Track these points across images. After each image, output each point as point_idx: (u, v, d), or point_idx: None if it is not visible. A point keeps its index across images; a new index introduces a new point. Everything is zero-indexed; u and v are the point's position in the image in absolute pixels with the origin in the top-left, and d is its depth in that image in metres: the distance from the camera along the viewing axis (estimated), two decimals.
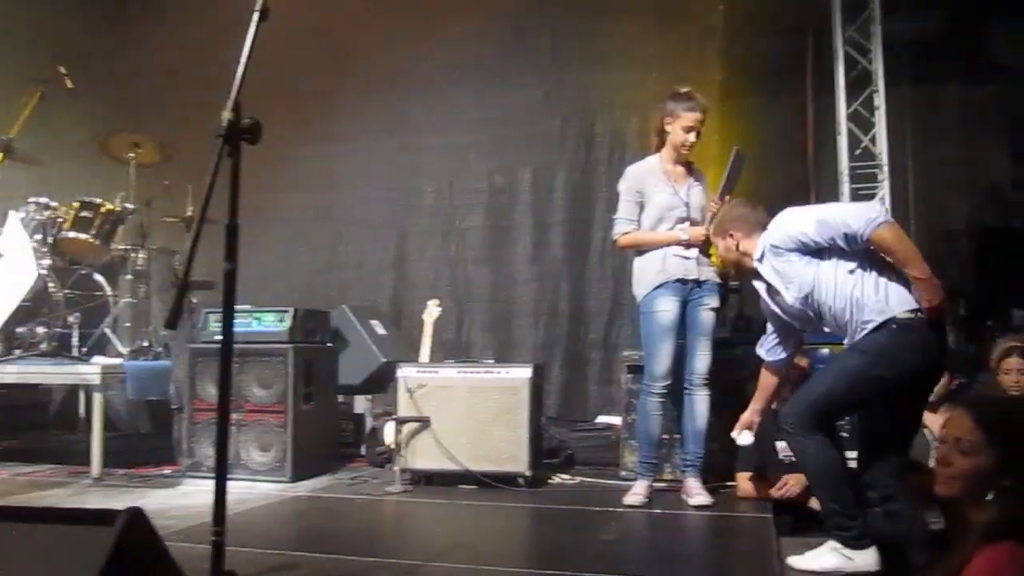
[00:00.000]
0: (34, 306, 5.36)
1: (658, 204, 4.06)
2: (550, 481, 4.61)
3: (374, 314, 6.08)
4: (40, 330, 5.27)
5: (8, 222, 4.96)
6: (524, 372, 4.44)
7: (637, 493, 3.98)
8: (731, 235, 3.46)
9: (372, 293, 6.80)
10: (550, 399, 5.95)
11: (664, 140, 4.07)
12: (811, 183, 6.14)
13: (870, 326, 3.02)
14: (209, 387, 4.73)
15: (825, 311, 3.15)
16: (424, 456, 4.49)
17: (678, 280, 4.00)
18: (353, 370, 5.52)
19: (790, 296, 3.21)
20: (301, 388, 4.74)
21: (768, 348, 3.50)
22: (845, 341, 3.18)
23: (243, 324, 4.86)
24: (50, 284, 5.31)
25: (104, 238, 5.40)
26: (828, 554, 3.02)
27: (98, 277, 5.56)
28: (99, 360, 4.91)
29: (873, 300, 3.04)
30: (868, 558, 2.98)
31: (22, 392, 6.04)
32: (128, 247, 5.64)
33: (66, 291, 5.37)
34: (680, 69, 6.19)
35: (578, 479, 4.67)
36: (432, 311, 5.30)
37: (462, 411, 4.47)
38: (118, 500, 4.13)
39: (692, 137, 4.00)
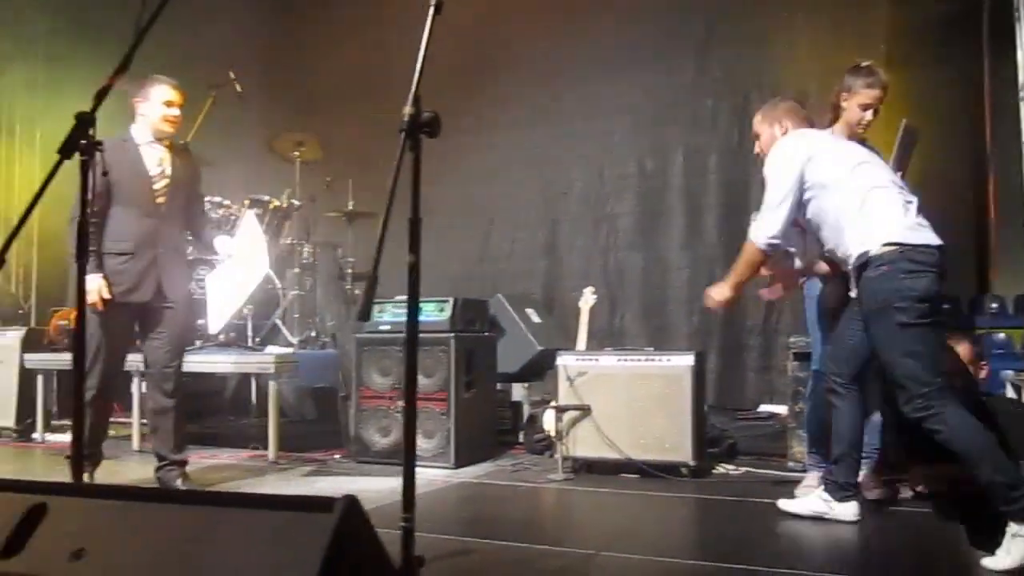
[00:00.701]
0: None
1: None
2: (714, 471, 4.52)
3: (528, 302, 6.13)
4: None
5: (245, 220, 5.13)
6: (686, 359, 4.36)
7: (810, 484, 3.84)
8: (781, 125, 3.61)
9: (524, 282, 6.85)
10: (707, 387, 5.82)
11: (838, 116, 3.84)
12: (989, 160, 5.73)
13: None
14: (375, 375, 4.89)
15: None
16: (585, 444, 4.48)
17: None
18: (510, 358, 5.59)
19: None
20: (462, 376, 4.82)
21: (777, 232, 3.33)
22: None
23: (405, 314, 4.98)
24: None
25: (273, 233, 5.67)
26: None
27: (268, 271, 5.84)
28: (273, 350, 5.15)
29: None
30: None
31: (201, 380, 6.43)
32: (294, 241, 5.90)
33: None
34: (839, 39, 5.92)
35: (743, 469, 4.55)
36: (588, 298, 5.27)
37: (623, 399, 4.44)
38: (298, 485, 4.33)
39: (869, 116, 3.73)
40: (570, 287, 6.68)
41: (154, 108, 3.94)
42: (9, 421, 6.04)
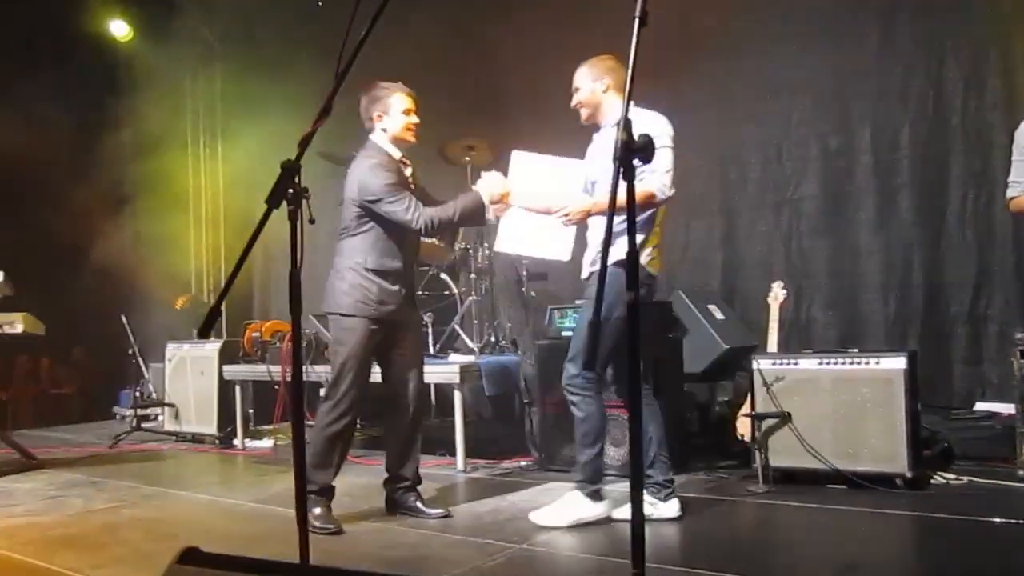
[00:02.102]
0: None
1: None
2: (932, 481, 4.16)
3: (710, 298, 5.88)
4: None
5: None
6: (898, 362, 4.03)
7: None
8: (602, 81, 3.76)
9: (702, 274, 6.57)
10: None
11: None
12: None
13: None
14: (559, 382, 4.79)
15: None
16: (785, 453, 4.23)
17: None
18: (695, 358, 5.35)
19: None
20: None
21: None
22: None
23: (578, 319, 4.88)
24: None
25: (449, 239, 5.68)
26: None
27: (444, 276, 5.88)
28: (456, 358, 5.16)
29: None
30: None
31: (378, 385, 6.58)
32: (468, 246, 5.89)
33: (420, 292, 5.72)
34: None
35: (965, 479, 4.17)
36: (778, 294, 4.99)
37: (826, 405, 4.15)
38: (495, 501, 4.30)
39: None
40: (751, 277, 6.36)
41: (396, 120, 3.88)
42: (212, 428, 6.39)
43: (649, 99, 6.35)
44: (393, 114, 3.88)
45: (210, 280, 9.42)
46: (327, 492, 3.84)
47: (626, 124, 1.99)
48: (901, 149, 5.89)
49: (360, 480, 4.60)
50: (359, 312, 3.79)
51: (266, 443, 6.29)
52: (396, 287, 3.85)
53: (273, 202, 2.13)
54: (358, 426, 5.06)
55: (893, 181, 5.91)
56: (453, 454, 5.09)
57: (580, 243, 4.03)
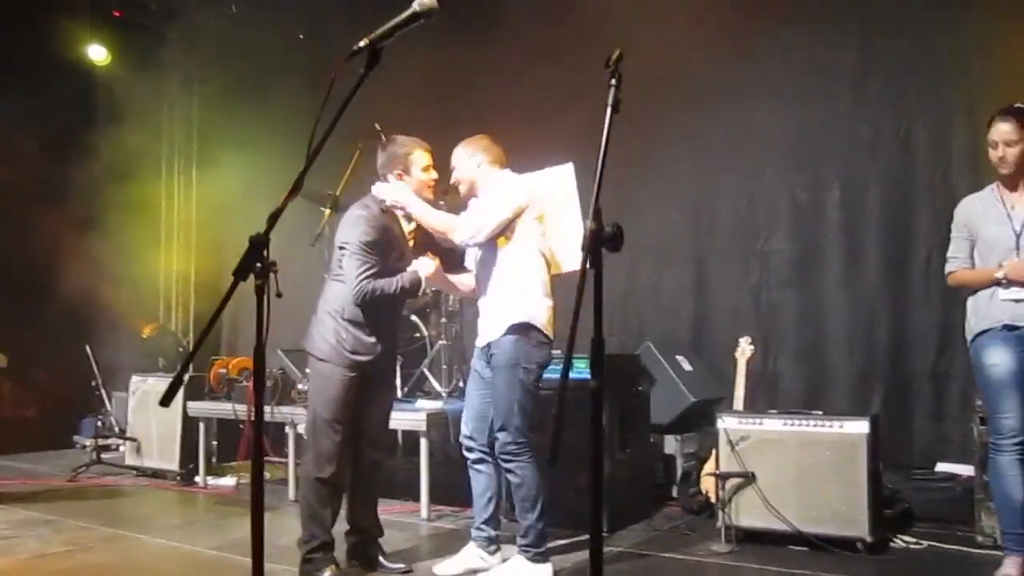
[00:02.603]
0: None
1: (986, 238, 3.64)
2: (892, 545, 4.19)
3: (678, 348, 5.93)
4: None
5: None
6: (860, 426, 4.07)
7: (1008, 573, 3.49)
8: (475, 157, 3.96)
9: (671, 322, 6.62)
10: None
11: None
12: None
13: None
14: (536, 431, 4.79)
15: None
16: (748, 513, 4.25)
17: (1005, 327, 3.50)
18: (662, 409, 5.41)
19: None
20: (616, 435, 4.68)
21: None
22: None
23: (554, 370, 4.88)
24: None
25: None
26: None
27: (415, 319, 5.86)
28: (424, 405, 5.15)
29: None
30: None
31: None
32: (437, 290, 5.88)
33: None
34: (1011, 53, 5.43)
35: (925, 543, 4.21)
36: (745, 349, 5.04)
37: (790, 466, 4.19)
38: (452, 548, 4.27)
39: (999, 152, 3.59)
40: (720, 328, 6.40)
41: (416, 177, 3.89)
42: (174, 465, 6.29)
43: (622, 145, 6.49)
44: (414, 172, 3.89)
45: (178, 309, 9.33)
46: (327, 547, 3.75)
47: (595, 214, 2.01)
48: (868, 206, 5.99)
49: None
50: (334, 359, 3.76)
51: (229, 481, 6.20)
52: (372, 339, 3.80)
53: (240, 276, 2.12)
54: None
55: (860, 237, 6.01)
56: (418, 499, 5.06)
57: None
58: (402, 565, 3.94)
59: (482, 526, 3.96)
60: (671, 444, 5.49)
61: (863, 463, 4.02)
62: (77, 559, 4.16)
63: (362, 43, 2.07)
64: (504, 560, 3.93)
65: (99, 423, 7.38)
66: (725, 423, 4.38)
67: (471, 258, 4.09)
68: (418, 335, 5.88)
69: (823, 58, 6.14)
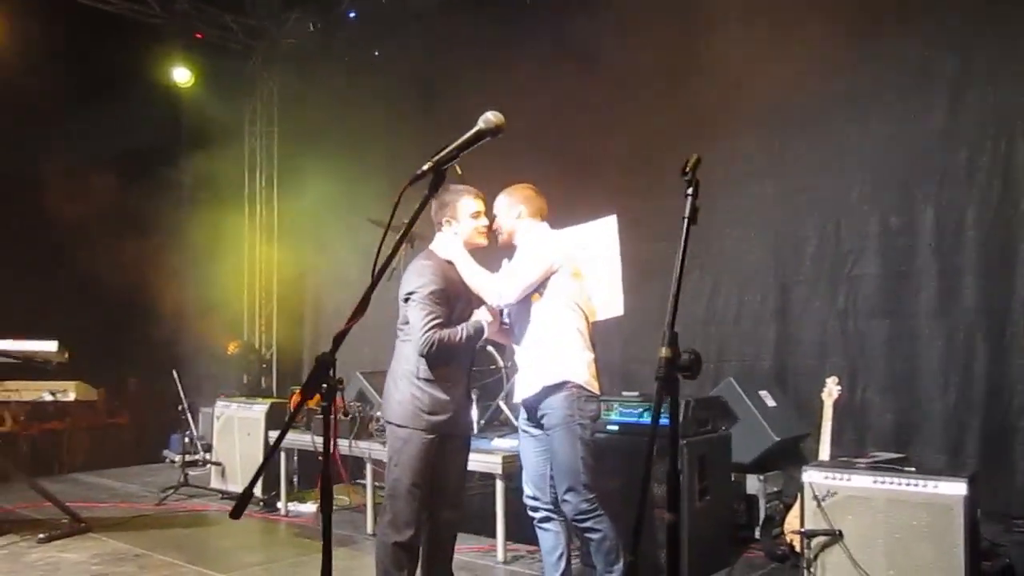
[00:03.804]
0: None
1: None
2: None
3: (761, 383, 5.76)
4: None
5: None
6: (957, 488, 3.84)
7: None
8: (516, 208, 3.94)
9: (753, 348, 6.43)
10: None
11: None
12: None
13: None
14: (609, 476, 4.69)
15: None
16: (835, 572, 4.07)
17: None
18: (744, 448, 5.25)
19: None
20: (695, 484, 4.56)
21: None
22: None
23: (631, 414, 4.80)
24: None
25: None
26: None
27: (491, 350, 5.82)
28: (500, 445, 5.10)
29: None
30: None
31: None
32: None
33: None
34: None
35: None
36: (832, 390, 4.84)
37: (880, 526, 3.98)
38: None
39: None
40: (805, 355, 6.20)
41: (465, 224, 3.84)
42: (256, 491, 6.41)
43: (703, 164, 6.31)
44: (462, 219, 3.83)
45: (261, 326, 9.52)
46: None
47: (671, 339, 1.91)
48: (966, 232, 5.68)
49: None
50: (412, 424, 3.69)
51: (309, 508, 6.31)
52: (447, 397, 3.74)
53: (308, 394, 2.09)
54: None
55: (956, 264, 5.70)
56: (493, 535, 5.04)
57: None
58: None
59: None
60: (753, 483, 5.33)
61: (960, 527, 3.80)
62: None
63: (426, 166, 2.01)
64: None
65: (186, 440, 7.57)
66: (811, 478, 4.20)
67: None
68: (494, 367, 5.84)
69: (916, 72, 5.84)
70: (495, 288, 3.76)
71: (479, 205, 3.88)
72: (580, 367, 3.77)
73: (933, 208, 5.80)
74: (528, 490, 3.95)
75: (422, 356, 3.67)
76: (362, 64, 8.62)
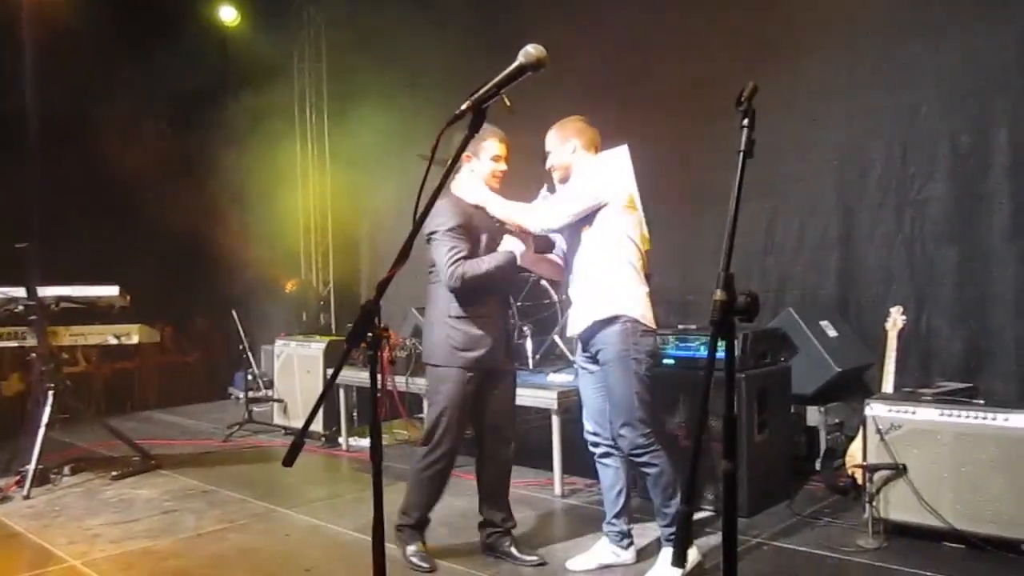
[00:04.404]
0: None
1: None
2: None
3: (822, 312, 5.61)
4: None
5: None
6: None
7: None
8: (570, 143, 3.80)
9: (815, 277, 6.24)
10: None
11: None
12: None
13: None
14: (665, 411, 4.66)
15: None
16: (899, 507, 4.00)
17: None
18: (804, 379, 5.15)
19: None
20: (754, 418, 4.50)
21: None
22: None
23: (690, 349, 4.72)
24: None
25: (545, 245, 5.55)
26: None
27: (545, 284, 5.77)
28: (555, 379, 5.09)
29: None
30: None
31: None
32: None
33: (519, 303, 5.65)
34: None
35: None
36: (896, 320, 4.72)
37: (946, 460, 3.89)
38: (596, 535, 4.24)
39: None
40: (869, 283, 6.00)
41: (484, 165, 3.83)
42: (318, 427, 6.55)
43: (765, 84, 6.07)
44: (483, 158, 3.81)
45: (318, 262, 9.60)
46: (421, 525, 3.94)
47: (726, 281, 1.83)
48: None
49: (460, 503, 4.62)
50: (449, 363, 3.76)
51: (369, 442, 6.40)
52: (483, 332, 3.78)
53: (353, 343, 2.07)
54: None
55: None
56: (551, 469, 5.06)
57: None
58: (535, 557, 3.94)
59: (613, 520, 3.91)
60: (814, 415, 5.24)
61: None
62: (231, 540, 4.39)
63: (465, 105, 1.92)
64: (638, 552, 3.90)
65: (248, 378, 7.73)
66: (874, 411, 4.10)
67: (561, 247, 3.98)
68: (548, 301, 5.79)
69: None
70: (535, 217, 3.72)
71: (502, 150, 3.84)
72: (633, 301, 3.68)
73: (1007, 126, 5.49)
74: (588, 426, 3.93)
75: (452, 291, 3.71)
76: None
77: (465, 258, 3.69)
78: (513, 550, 3.97)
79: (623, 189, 3.75)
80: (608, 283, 3.68)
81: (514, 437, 4.02)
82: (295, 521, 4.71)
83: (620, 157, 4.00)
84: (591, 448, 3.95)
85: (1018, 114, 5.42)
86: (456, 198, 3.80)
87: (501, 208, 3.78)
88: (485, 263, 3.72)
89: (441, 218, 3.72)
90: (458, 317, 3.76)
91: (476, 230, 3.78)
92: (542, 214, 3.71)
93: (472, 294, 3.75)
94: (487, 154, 3.80)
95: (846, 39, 5.97)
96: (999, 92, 5.50)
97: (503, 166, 3.84)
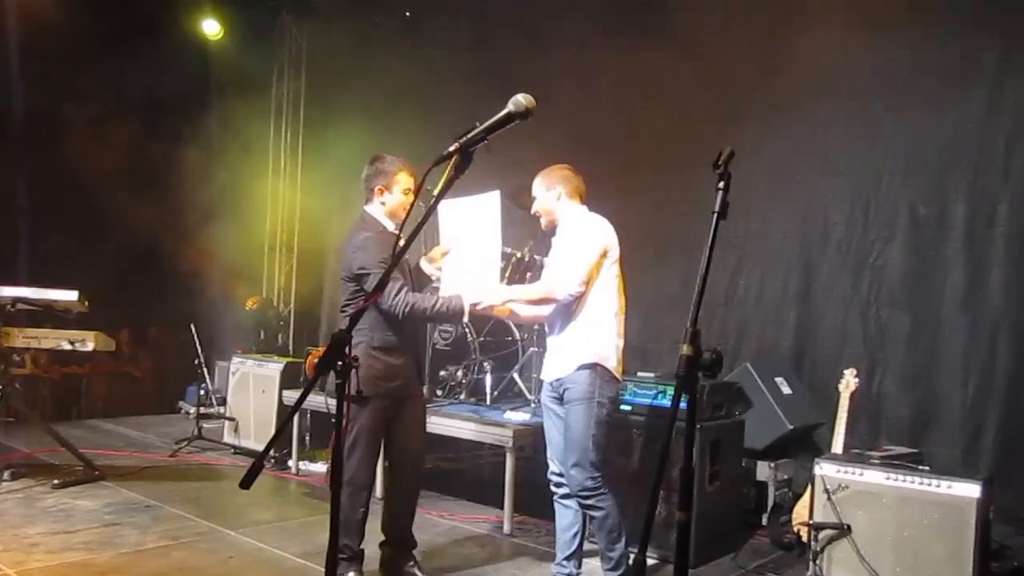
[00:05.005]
0: (454, 350, 5.78)
1: None
2: None
3: (777, 368, 5.71)
4: (460, 374, 5.66)
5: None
6: (971, 489, 3.81)
7: None
8: (555, 190, 3.95)
9: (772, 332, 6.36)
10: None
11: None
12: None
13: None
14: (615, 453, 4.68)
15: None
16: (842, 566, 4.07)
17: None
18: (756, 433, 5.22)
19: None
20: (706, 469, 4.55)
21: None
22: None
23: (647, 395, 4.77)
24: (467, 330, 5.66)
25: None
26: None
27: (508, 322, 5.80)
28: (512, 418, 5.10)
29: None
30: None
31: None
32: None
33: (481, 338, 5.68)
34: None
35: None
36: (849, 382, 4.81)
37: (889, 523, 3.97)
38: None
39: None
40: (824, 343, 6.13)
41: (396, 197, 3.96)
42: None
43: (729, 141, 6.21)
44: (395, 191, 3.95)
45: (281, 281, 9.54)
46: (358, 557, 3.95)
47: (693, 336, 1.88)
48: (997, 227, 5.56)
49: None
50: (368, 391, 3.79)
51: (320, 467, 6.36)
52: (402, 361, 3.91)
53: (322, 371, 2.08)
54: None
55: (985, 258, 5.59)
56: (502, 507, 5.06)
57: None
58: None
59: (564, 562, 3.93)
60: (764, 470, 5.31)
61: (971, 528, 3.77)
62: (173, 558, 4.31)
63: (452, 147, 1.97)
64: None
65: (201, 393, 7.63)
66: (823, 470, 4.18)
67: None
68: (509, 338, 5.83)
69: (956, 57, 5.68)
70: (556, 286, 3.79)
71: (411, 183, 3.97)
72: (612, 351, 3.82)
73: (965, 200, 5.68)
74: (553, 466, 3.97)
75: (399, 319, 3.74)
76: (392, 24, 8.50)
77: (406, 290, 3.74)
78: (414, 570, 4.07)
79: (615, 240, 3.86)
80: (595, 330, 3.80)
81: (423, 455, 4.17)
82: (239, 543, 4.64)
83: (487, 203, 3.93)
84: (553, 488, 3.98)
85: (975, 189, 5.62)
86: (381, 230, 3.88)
87: (526, 294, 3.95)
88: (436, 304, 3.78)
89: (371, 251, 3.76)
90: (379, 348, 3.83)
91: (405, 262, 3.84)
92: (562, 283, 3.77)
93: (394, 326, 3.82)
94: (399, 187, 3.94)
95: (815, 103, 6.15)
96: (958, 167, 5.69)
97: (411, 198, 3.88)
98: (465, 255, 4.00)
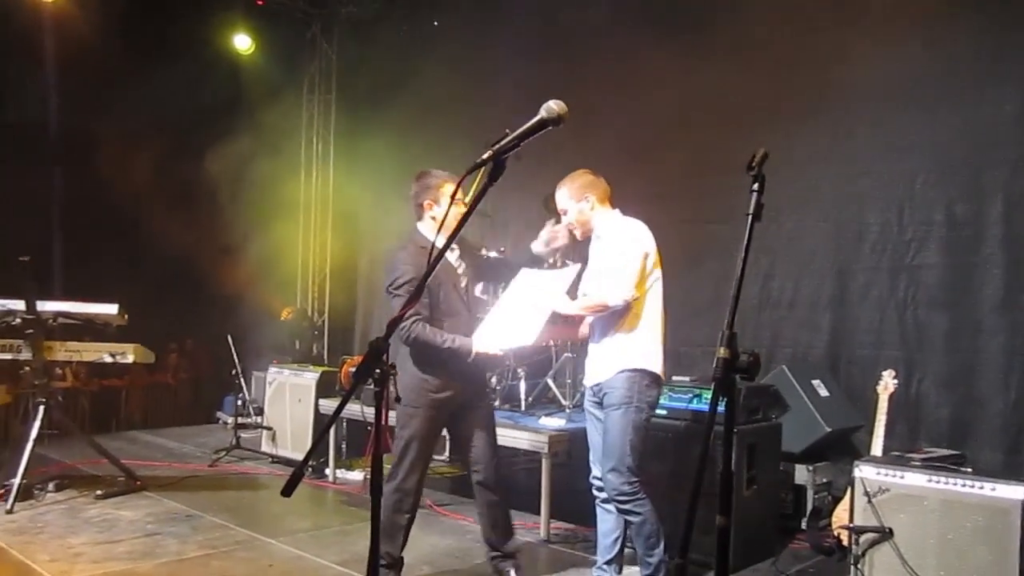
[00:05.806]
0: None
1: None
2: None
3: (814, 371, 5.66)
4: (493, 381, 5.68)
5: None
6: (1016, 492, 3.74)
7: None
8: (587, 199, 3.90)
9: (807, 335, 6.30)
10: None
11: None
12: None
13: None
14: (650, 458, 4.67)
15: None
16: (884, 571, 4.00)
17: None
18: (793, 437, 5.17)
19: None
20: (743, 473, 4.52)
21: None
22: None
23: (682, 399, 4.75)
24: None
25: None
26: None
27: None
28: (547, 424, 5.10)
29: None
30: None
31: None
32: None
33: None
34: None
35: None
36: (888, 383, 4.76)
37: (932, 526, 3.91)
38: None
39: None
40: (861, 345, 6.06)
41: (444, 209, 3.90)
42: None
43: (766, 144, 6.17)
44: (443, 203, 3.92)
45: (315, 292, 9.63)
46: (398, 564, 3.96)
47: (729, 339, 1.88)
48: None
49: (444, 542, 4.71)
50: (418, 403, 3.85)
51: (357, 476, 6.40)
52: (452, 372, 3.89)
53: (360, 379, 2.10)
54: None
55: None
56: (538, 513, 5.06)
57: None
58: None
59: (604, 566, 3.94)
60: (802, 474, 5.26)
61: (1017, 531, 3.70)
62: (213, 567, 4.37)
63: (486, 155, 1.98)
64: None
65: (239, 403, 7.71)
66: (863, 473, 4.13)
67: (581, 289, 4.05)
68: (544, 344, 5.83)
69: (991, 54, 5.61)
70: (611, 294, 3.77)
71: (460, 193, 3.91)
72: (656, 357, 3.85)
73: (1002, 198, 5.60)
74: (595, 470, 3.97)
75: (405, 344, 3.81)
76: (421, 34, 8.56)
77: (423, 318, 3.77)
78: (513, 573, 4.06)
79: (653, 244, 3.87)
80: (640, 335, 3.80)
81: (499, 464, 4.14)
82: (279, 551, 4.69)
83: (565, 278, 3.99)
84: (595, 492, 3.98)
85: (1012, 186, 5.53)
86: (413, 250, 3.86)
87: (581, 306, 3.90)
88: (445, 340, 3.80)
89: (397, 273, 3.81)
90: (428, 364, 3.87)
91: (434, 284, 3.83)
92: (616, 291, 3.76)
93: (421, 351, 3.85)
94: (447, 198, 3.92)
95: (846, 104, 6.10)
96: (994, 164, 5.61)
97: (462, 208, 3.85)
98: (518, 308, 3.98)
